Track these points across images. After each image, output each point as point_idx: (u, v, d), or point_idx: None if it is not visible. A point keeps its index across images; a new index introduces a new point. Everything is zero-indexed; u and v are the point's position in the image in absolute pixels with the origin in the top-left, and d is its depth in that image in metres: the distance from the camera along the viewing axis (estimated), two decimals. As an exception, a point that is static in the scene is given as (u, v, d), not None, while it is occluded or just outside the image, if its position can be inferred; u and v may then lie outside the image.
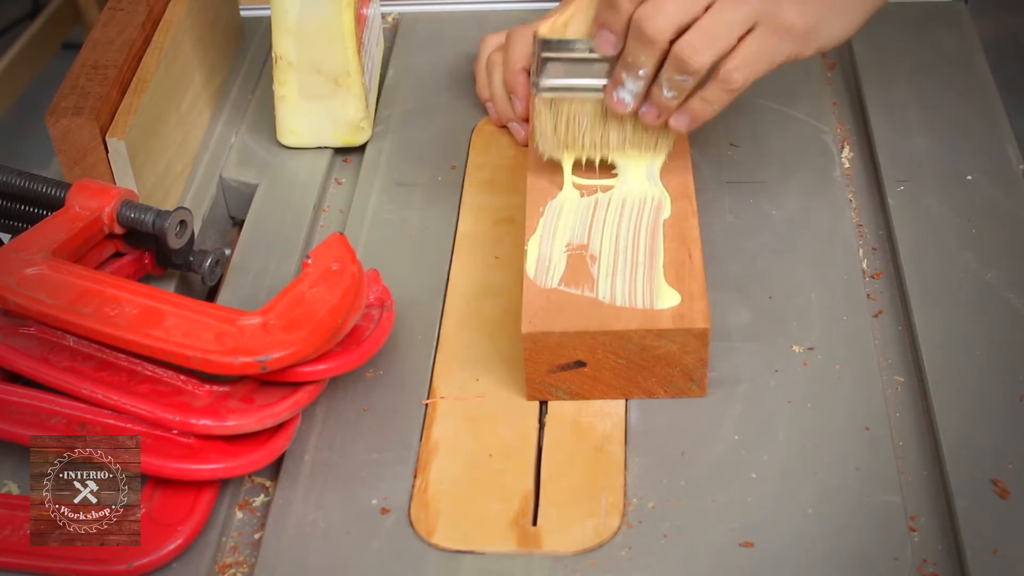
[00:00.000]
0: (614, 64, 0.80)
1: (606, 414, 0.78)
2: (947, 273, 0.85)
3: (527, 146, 0.92)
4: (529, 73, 0.95)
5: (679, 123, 0.80)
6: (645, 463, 0.75)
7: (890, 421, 0.77)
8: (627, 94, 0.79)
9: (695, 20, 0.75)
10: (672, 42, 0.76)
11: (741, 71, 0.76)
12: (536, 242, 0.81)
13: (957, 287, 0.84)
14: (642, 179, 0.85)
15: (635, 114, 0.81)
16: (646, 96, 0.79)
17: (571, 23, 0.80)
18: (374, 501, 0.74)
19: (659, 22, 0.75)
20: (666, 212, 0.82)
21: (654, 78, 0.78)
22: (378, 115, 1.03)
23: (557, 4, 1.02)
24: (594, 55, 0.80)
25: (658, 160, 0.85)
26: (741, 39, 0.76)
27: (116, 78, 0.91)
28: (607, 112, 0.82)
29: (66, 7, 2.27)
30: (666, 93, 0.77)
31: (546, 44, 0.81)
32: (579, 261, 0.80)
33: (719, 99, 0.78)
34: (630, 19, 0.76)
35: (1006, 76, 1.10)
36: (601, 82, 0.81)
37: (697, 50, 0.75)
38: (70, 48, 2.27)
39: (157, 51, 0.95)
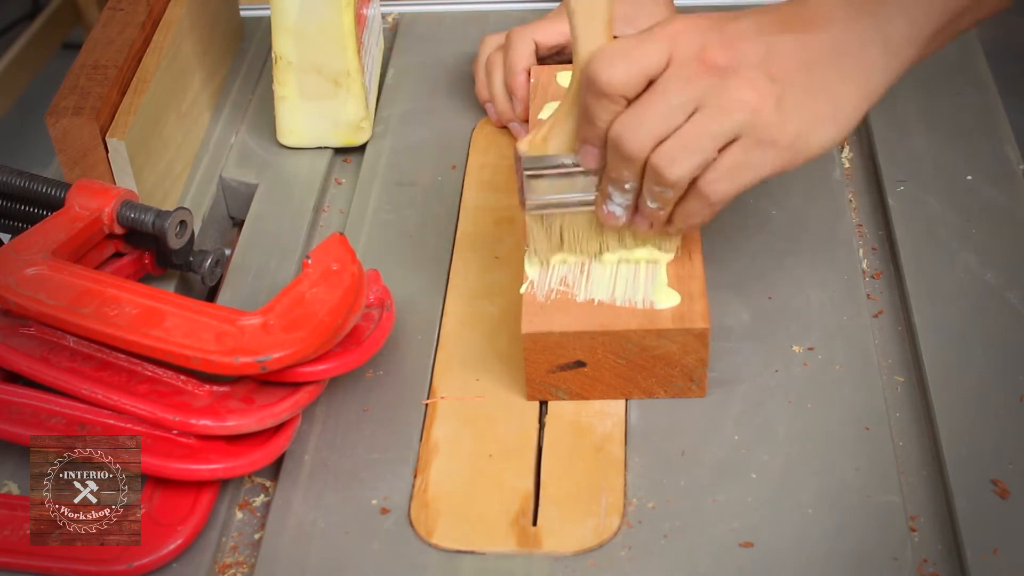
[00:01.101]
0: (602, 175, 0.76)
1: (606, 414, 0.78)
2: (947, 273, 0.85)
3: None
4: (529, 74, 0.95)
5: (672, 231, 0.76)
6: (645, 463, 0.75)
7: (890, 421, 0.77)
8: (617, 207, 0.75)
9: (676, 130, 0.70)
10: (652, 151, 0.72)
11: (721, 184, 0.71)
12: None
13: (957, 287, 0.84)
14: None
15: (629, 225, 0.77)
16: (636, 207, 0.75)
17: (551, 138, 0.75)
18: (374, 501, 0.74)
19: (638, 138, 0.70)
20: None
21: (641, 190, 0.74)
22: (378, 115, 1.03)
23: (557, 5, 1.02)
24: (579, 167, 0.76)
25: (666, 258, 0.80)
26: (722, 151, 0.71)
27: (116, 78, 0.91)
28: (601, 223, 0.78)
29: (66, 7, 2.27)
30: (650, 204, 0.73)
31: (529, 162, 0.76)
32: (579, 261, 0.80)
33: (700, 212, 0.73)
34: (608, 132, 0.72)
35: (1006, 76, 1.10)
36: (590, 196, 0.77)
37: (674, 160, 0.70)
38: (70, 48, 2.28)
39: (157, 51, 0.95)
